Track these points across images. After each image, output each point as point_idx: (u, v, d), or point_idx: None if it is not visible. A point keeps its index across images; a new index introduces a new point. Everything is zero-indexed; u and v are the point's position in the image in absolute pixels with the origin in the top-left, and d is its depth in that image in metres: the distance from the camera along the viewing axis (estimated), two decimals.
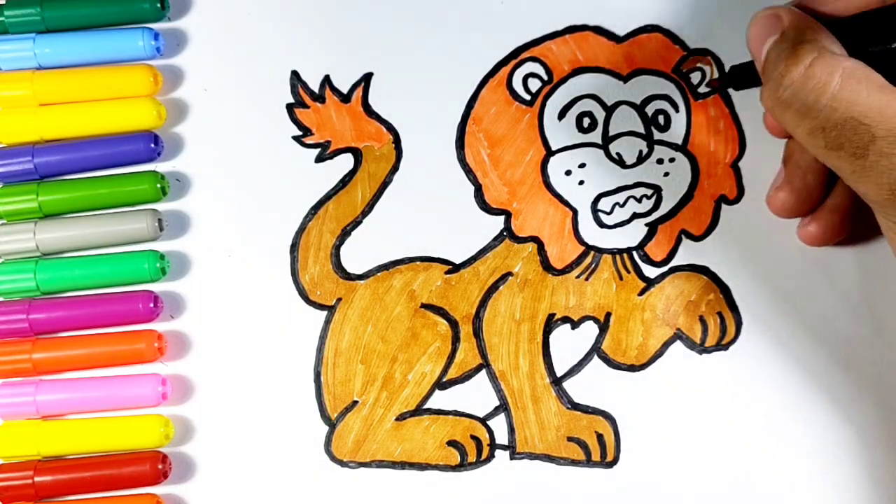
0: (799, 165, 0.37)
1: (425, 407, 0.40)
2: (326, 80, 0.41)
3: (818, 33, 0.33)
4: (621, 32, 0.41)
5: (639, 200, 0.40)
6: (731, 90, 0.40)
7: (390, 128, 0.41)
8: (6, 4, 0.41)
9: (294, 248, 0.41)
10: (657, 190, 0.40)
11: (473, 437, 0.39)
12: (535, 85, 0.41)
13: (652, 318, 0.40)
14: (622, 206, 0.40)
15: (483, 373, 0.40)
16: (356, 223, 0.41)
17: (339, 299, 0.40)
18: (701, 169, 0.40)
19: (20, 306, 0.40)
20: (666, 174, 0.40)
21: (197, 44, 0.42)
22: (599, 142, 0.40)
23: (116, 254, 0.40)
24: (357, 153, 0.41)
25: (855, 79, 0.31)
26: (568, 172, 0.40)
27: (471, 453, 0.39)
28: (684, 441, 0.39)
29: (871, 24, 0.33)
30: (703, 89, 0.40)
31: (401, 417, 0.40)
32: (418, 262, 0.40)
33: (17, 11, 0.41)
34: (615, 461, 0.39)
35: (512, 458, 0.39)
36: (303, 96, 0.41)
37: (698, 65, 0.40)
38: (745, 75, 0.37)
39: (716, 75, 0.40)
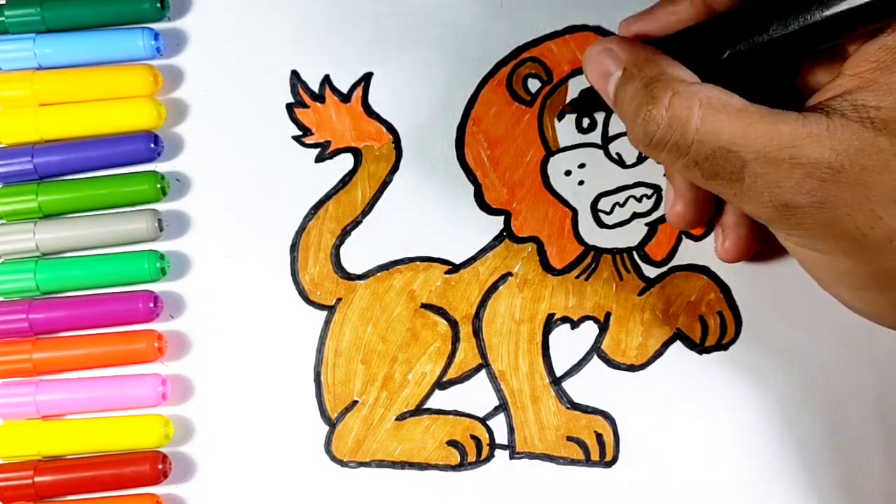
0: (685, 179, 0.37)
1: (425, 407, 0.40)
2: (326, 80, 0.41)
3: (661, 63, 0.33)
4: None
5: (639, 200, 0.40)
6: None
7: (390, 128, 0.41)
8: (6, 4, 0.41)
9: (294, 248, 0.41)
10: (657, 189, 0.40)
11: (473, 437, 0.39)
12: (534, 85, 0.41)
13: (652, 318, 0.40)
14: (622, 205, 0.40)
15: (483, 373, 0.40)
16: (356, 223, 0.41)
17: (339, 299, 0.40)
18: None
19: (20, 306, 0.40)
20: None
21: (197, 44, 0.42)
22: (599, 142, 0.40)
23: (116, 254, 0.40)
24: (357, 153, 0.41)
25: (713, 108, 0.31)
26: (568, 172, 0.40)
27: (470, 453, 0.39)
28: (683, 441, 0.39)
29: (708, 36, 0.33)
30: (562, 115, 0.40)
31: (401, 417, 0.40)
32: (418, 262, 0.40)
33: (17, 11, 0.41)
34: (614, 461, 0.39)
35: (511, 458, 0.39)
36: (303, 96, 0.41)
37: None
38: (596, 99, 0.36)
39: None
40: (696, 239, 0.40)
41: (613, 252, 0.40)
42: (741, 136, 0.30)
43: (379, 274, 0.40)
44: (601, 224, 0.40)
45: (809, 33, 0.31)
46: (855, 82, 0.31)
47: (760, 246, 0.38)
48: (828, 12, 0.31)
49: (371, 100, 0.41)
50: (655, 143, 0.32)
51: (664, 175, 0.39)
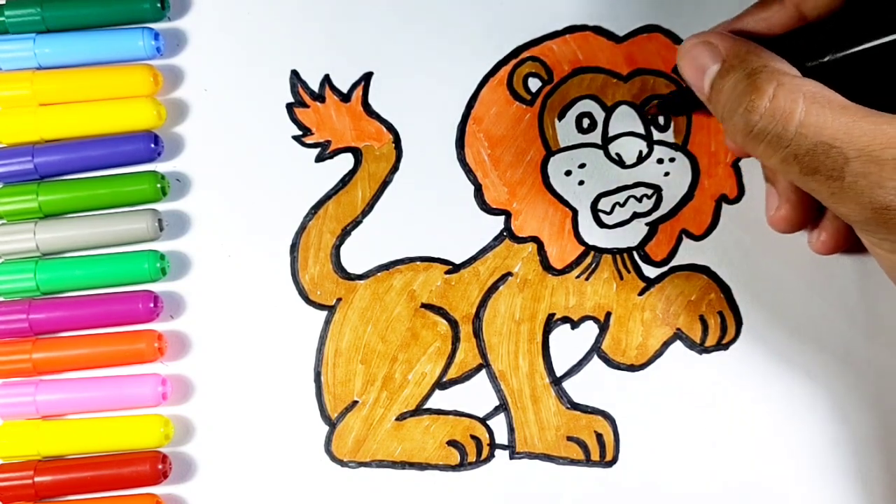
0: (790, 182, 0.37)
1: (425, 407, 0.40)
2: (326, 80, 0.41)
3: (763, 56, 0.32)
4: (621, 32, 0.41)
5: (639, 200, 0.40)
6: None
7: (390, 127, 0.41)
8: (6, 4, 0.41)
9: (294, 248, 0.41)
10: (657, 190, 0.40)
11: (473, 437, 0.39)
12: (535, 85, 0.41)
13: (652, 318, 0.40)
14: (622, 205, 0.40)
15: (483, 373, 0.40)
16: (356, 223, 0.41)
17: (339, 299, 0.40)
18: (701, 168, 0.40)
19: (20, 306, 0.40)
20: (666, 174, 0.40)
21: (197, 44, 0.42)
22: (599, 142, 0.40)
23: (116, 254, 0.40)
24: (357, 153, 0.41)
25: (818, 103, 0.30)
26: (568, 173, 0.40)
27: (470, 453, 0.39)
28: (684, 441, 0.39)
29: (804, 41, 0.33)
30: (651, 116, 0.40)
31: (401, 417, 0.40)
32: (418, 262, 0.40)
33: (17, 11, 0.41)
34: (614, 461, 0.39)
35: (511, 458, 0.39)
36: (303, 96, 0.41)
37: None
38: (686, 100, 0.36)
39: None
40: (697, 239, 0.40)
41: (613, 252, 0.40)
42: (844, 132, 0.30)
43: (379, 274, 0.40)
44: (601, 224, 0.40)
45: None
46: None
47: (854, 241, 0.38)
48: None
49: (371, 100, 0.41)
50: (756, 134, 0.31)
51: (765, 179, 0.38)
